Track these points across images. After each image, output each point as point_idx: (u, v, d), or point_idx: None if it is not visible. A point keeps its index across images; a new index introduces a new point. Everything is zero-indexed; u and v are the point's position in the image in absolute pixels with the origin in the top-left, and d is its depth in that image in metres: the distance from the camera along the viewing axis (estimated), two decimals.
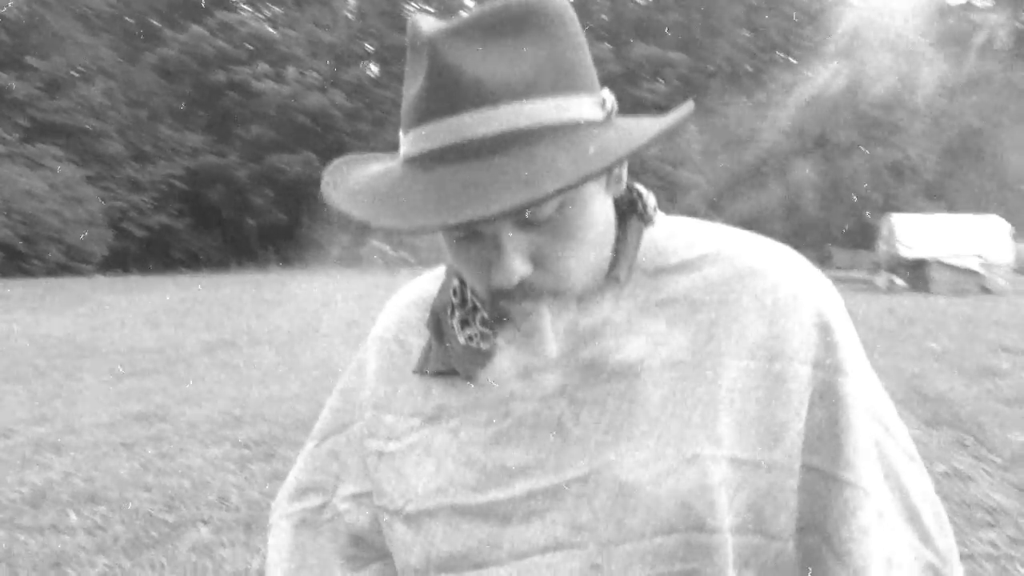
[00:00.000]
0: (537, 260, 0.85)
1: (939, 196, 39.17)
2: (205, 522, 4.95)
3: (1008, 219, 22.99)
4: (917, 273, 20.90)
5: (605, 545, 0.87)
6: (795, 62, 42.92)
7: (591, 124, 0.81)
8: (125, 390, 8.91)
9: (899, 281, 21.28)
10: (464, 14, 0.82)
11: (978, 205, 35.33)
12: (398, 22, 45.32)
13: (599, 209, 0.87)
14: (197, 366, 10.48)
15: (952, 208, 35.41)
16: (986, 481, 5.05)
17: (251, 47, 42.53)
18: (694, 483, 0.86)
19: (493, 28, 0.80)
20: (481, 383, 0.96)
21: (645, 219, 0.97)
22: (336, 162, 0.92)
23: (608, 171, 0.78)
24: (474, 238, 0.85)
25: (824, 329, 0.92)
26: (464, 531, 0.93)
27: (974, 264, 20.23)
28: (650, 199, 0.97)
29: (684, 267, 0.95)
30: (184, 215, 39.72)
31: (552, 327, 0.88)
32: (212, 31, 41.47)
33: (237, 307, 18.71)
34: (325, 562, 1.11)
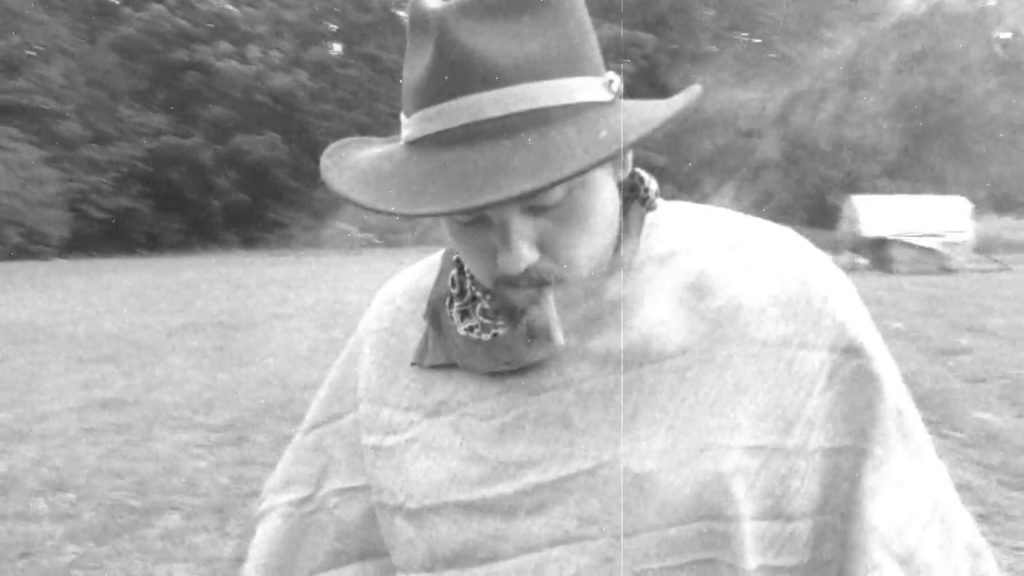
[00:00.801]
0: (544, 246, 0.83)
1: (901, 176, 39.60)
2: (175, 508, 4.93)
3: (970, 197, 23.32)
4: (879, 253, 21.15)
5: (617, 537, 0.85)
6: (758, 41, 43.14)
7: (600, 106, 0.80)
8: (90, 376, 8.82)
9: (861, 261, 21.54)
10: None
11: (940, 185, 35.77)
12: (363, 1, 44.91)
13: (606, 195, 0.86)
14: (163, 350, 10.40)
15: (915, 188, 35.82)
16: (950, 459, 5.15)
17: (212, 25, 41.96)
18: (708, 472, 0.85)
19: (501, 7, 0.78)
20: (482, 375, 0.93)
21: (647, 204, 0.95)
22: (333, 146, 0.90)
23: (621, 155, 0.77)
24: (480, 223, 0.83)
25: (835, 312, 0.91)
26: (469, 526, 0.90)
27: (935, 243, 20.52)
28: (652, 184, 0.95)
29: (688, 253, 0.93)
30: (145, 197, 39.15)
31: (558, 316, 0.86)
32: (172, 9, 40.81)
33: (202, 290, 18.53)
34: (309, 555, 1.09)
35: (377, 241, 34.00)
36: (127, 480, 5.43)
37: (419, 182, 0.77)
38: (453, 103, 0.77)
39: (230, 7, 42.26)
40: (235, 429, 6.56)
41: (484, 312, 0.94)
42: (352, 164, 0.85)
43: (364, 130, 41.92)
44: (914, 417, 0.95)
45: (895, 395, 0.93)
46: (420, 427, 0.96)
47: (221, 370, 8.92)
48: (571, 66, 0.79)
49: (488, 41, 0.77)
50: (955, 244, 20.56)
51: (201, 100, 41.07)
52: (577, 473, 0.87)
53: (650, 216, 0.95)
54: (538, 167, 0.73)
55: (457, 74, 0.77)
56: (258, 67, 40.42)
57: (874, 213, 21.95)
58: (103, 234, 37.27)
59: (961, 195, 24.10)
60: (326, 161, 0.86)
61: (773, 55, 39.74)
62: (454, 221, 0.85)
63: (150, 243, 38.97)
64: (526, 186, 0.72)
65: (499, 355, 0.91)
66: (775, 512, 0.88)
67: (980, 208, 28.63)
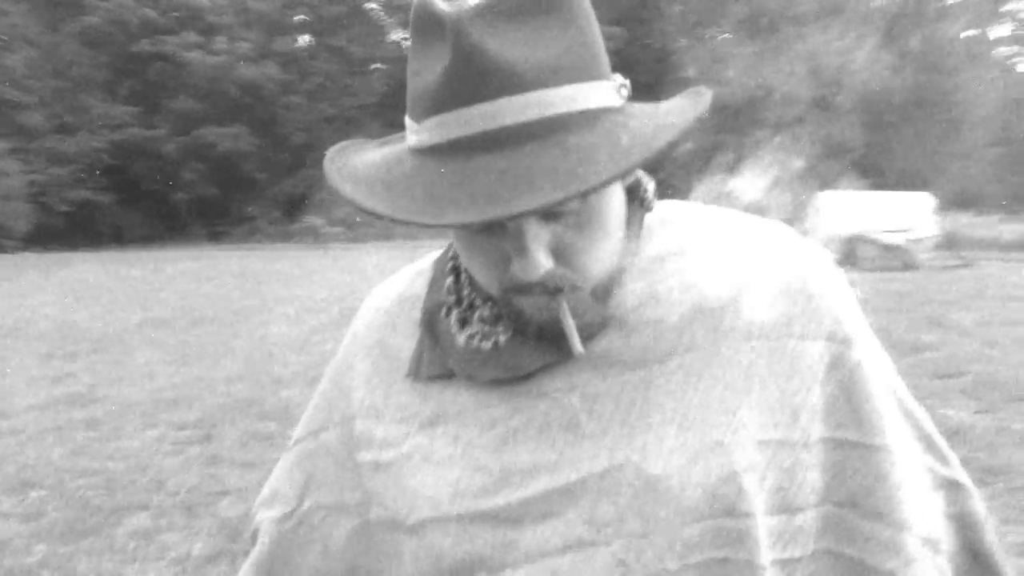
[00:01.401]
0: (558, 253, 0.83)
1: (868, 172, 39.97)
2: (144, 507, 4.90)
3: (933, 194, 23.61)
4: (845, 249, 21.36)
5: (632, 540, 0.84)
6: (727, 36, 43.35)
7: (615, 111, 0.80)
8: (56, 372, 8.72)
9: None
10: None
11: (905, 181, 36.12)
12: None
13: (616, 200, 0.86)
14: (130, 346, 10.29)
15: (881, 185, 36.17)
16: None
17: (178, 16, 41.47)
18: (721, 469, 0.85)
19: (518, 10, 0.77)
20: (482, 383, 0.91)
21: (646, 205, 0.94)
22: (333, 151, 0.88)
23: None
24: (493, 230, 0.82)
25: (831, 304, 0.92)
26: (475, 537, 0.88)
27: (899, 240, 20.76)
28: (650, 185, 0.95)
29: (687, 252, 0.93)
30: (110, 189, 38.62)
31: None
32: None
33: (168, 284, 18.36)
34: (291, 573, 1.07)
35: (345, 236, 33.80)
36: (95, 478, 5.38)
37: (440, 190, 0.75)
38: (472, 109, 0.75)
39: None
40: (204, 426, 6.52)
41: (484, 319, 0.92)
42: (357, 170, 0.84)
43: (332, 122, 41.82)
44: (910, 400, 0.97)
45: (892, 383, 0.95)
46: (417, 439, 0.94)
47: (189, 366, 8.85)
48: (585, 70, 0.79)
49: (507, 45, 0.75)
50: (919, 240, 20.80)
51: (167, 91, 40.62)
52: (587, 477, 0.85)
53: (648, 216, 0.95)
54: (565, 175, 0.73)
55: (476, 79, 0.75)
56: (225, 58, 39.98)
57: (840, 209, 22.15)
58: (67, 227, 36.77)
59: (925, 191, 24.41)
60: (331, 168, 0.84)
61: (741, 50, 39.93)
62: (467, 227, 0.83)
63: (115, 236, 38.49)
64: (557, 195, 0.71)
65: (502, 363, 0.90)
66: (783, 506, 0.88)
67: (943, 204, 28.97)
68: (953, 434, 5.75)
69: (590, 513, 0.85)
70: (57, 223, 36.42)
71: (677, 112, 0.81)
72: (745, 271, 0.91)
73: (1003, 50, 50.92)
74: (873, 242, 20.80)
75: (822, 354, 0.90)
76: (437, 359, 0.94)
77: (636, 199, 0.94)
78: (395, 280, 1.08)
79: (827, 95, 37.37)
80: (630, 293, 0.91)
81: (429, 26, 0.78)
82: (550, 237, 0.82)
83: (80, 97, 39.54)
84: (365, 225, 38.09)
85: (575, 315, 0.84)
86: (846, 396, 0.91)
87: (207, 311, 13.41)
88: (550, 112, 0.75)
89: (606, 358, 0.88)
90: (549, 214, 0.80)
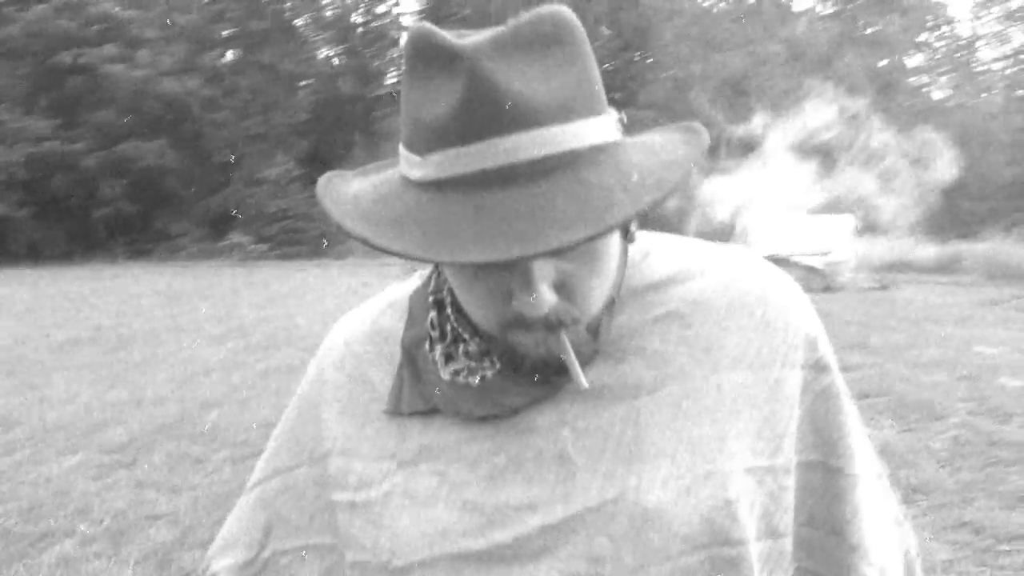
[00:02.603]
0: (559, 287, 0.82)
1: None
2: (68, 534, 4.75)
3: (854, 216, 24.26)
4: None
5: (630, 572, 0.84)
6: (651, 61, 44.00)
7: (617, 146, 0.80)
8: None
9: None
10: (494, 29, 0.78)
11: (826, 204, 36.96)
12: (257, 7, 44.05)
13: (615, 235, 0.86)
14: (49, 366, 9.98)
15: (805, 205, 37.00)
16: None
17: (100, 28, 40.54)
18: (715, 498, 0.85)
19: (529, 45, 0.76)
20: (472, 419, 0.90)
21: (630, 237, 0.94)
22: (324, 184, 0.85)
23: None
24: (495, 266, 0.80)
25: (808, 332, 0.95)
26: None
27: (819, 262, 21.27)
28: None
29: (669, 282, 0.94)
30: (26, 205, 37.48)
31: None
32: (57, 10, 39.26)
33: (89, 303, 17.86)
34: None
35: (272, 254, 33.32)
36: (16, 505, 5.20)
37: (458, 227, 0.74)
38: (486, 144, 0.74)
39: (119, 9, 40.90)
40: (130, 449, 6.35)
41: (469, 355, 0.91)
42: (357, 205, 0.81)
43: (259, 139, 41.20)
44: (861, 425, 1.01)
45: (853, 410, 0.98)
46: (397, 478, 0.92)
47: (112, 387, 8.61)
48: (591, 105, 0.79)
49: (521, 80, 0.75)
50: (839, 263, 21.33)
51: (87, 105, 39.61)
52: (583, 512, 0.85)
53: (631, 248, 0.96)
54: (583, 213, 0.72)
55: (491, 114, 0.74)
56: (148, 72, 39.18)
57: (765, 231, 22.61)
58: None
59: (844, 214, 25.05)
60: (328, 203, 0.82)
61: (666, 74, 40.60)
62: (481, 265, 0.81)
63: (31, 253, 37.28)
64: (582, 233, 0.71)
65: (490, 399, 0.89)
66: (770, 531, 0.90)
67: (859, 227, 29.73)
68: (878, 453, 5.89)
69: (586, 548, 0.84)
70: None
71: (672, 148, 0.82)
72: (726, 302, 0.93)
73: (914, 80, 52.72)
74: (795, 264, 21.25)
75: (799, 381, 0.93)
76: (418, 394, 0.93)
77: (621, 232, 0.94)
78: (362, 314, 1.05)
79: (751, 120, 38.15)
80: (616, 325, 0.91)
81: (436, 58, 0.77)
82: (554, 272, 0.81)
83: None
84: (293, 244, 37.67)
85: (573, 349, 0.84)
86: (815, 420, 0.94)
87: (129, 331, 13.07)
88: (564, 148, 0.75)
89: (594, 391, 0.89)
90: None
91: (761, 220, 23.81)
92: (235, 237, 33.17)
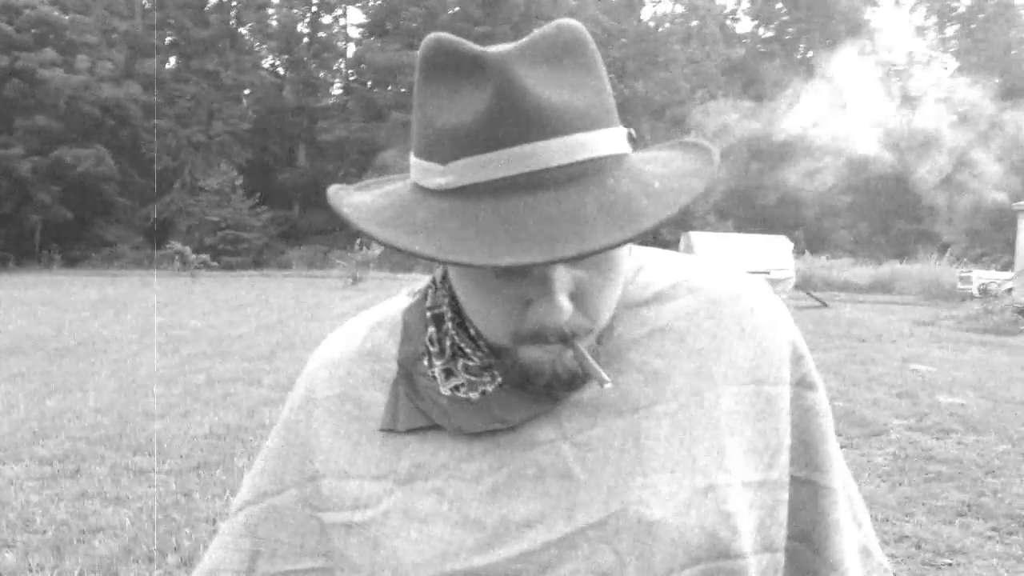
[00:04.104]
0: (575, 298, 0.81)
1: (728, 215, 41.55)
2: (10, 546, 4.63)
3: (789, 237, 24.79)
4: None
5: None
6: None
7: (632, 157, 0.81)
8: None
9: None
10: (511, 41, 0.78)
11: (764, 224, 37.76)
12: (199, 15, 43.54)
13: (626, 247, 0.86)
14: None
15: (740, 228, 37.73)
16: None
17: (37, 32, 39.71)
18: (716, 512, 0.86)
19: (552, 55, 0.77)
20: (470, 435, 0.89)
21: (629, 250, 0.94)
22: (336, 195, 0.84)
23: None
24: (513, 275, 0.80)
25: (795, 350, 0.97)
26: None
27: (761, 281, 21.65)
28: None
29: (662, 297, 0.94)
30: None
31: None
32: None
33: (24, 311, 17.41)
34: None
35: (213, 264, 32.84)
36: None
37: (490, 231, 0.73)
38: (516, 150, 0.74)
39: (57, 13, 40.07)
40: (72, 460, 6.20)
41: (469, 370, 0.90)
42: (375, 213, 0.81)
43: (200, 147, 40.64)
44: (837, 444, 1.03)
45: (832, 427, 1.00)
46: (395, 496, 0.90)
47: (52, 397, 8.40)
48: (608, 116, 0.79)
49: (549, 89, 0.75)
50: (779, 282, 21.71)
51: (22, 109, 38.73)
52: (585, 527, 0.85)
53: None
54: (613, 218, 0.73)
55: (520, 120, 0.74)
56: (86, 77, 38.47)
57: (708, 249, 22.94)
58: None
59: (782, 235, 25.58)
60: (346, 211, 0.81)
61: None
62: (480, 271, 0.81)
63: None
64: (614, 237, 0.72)
65: (491, 414, 0.88)
66: (766, 544, 0.92)
67: (798, 247, 30.36)
68: None
69: (591, 563, 0.84)
70: None
71: (682, 163, 0.83)
72: (719, 318, 0.94)
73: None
74: None
75: (788, 398, 0.95)
76: (416, 411, 0.91)
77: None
78: (348, 333, 1.02)
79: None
80: (615, 338, 0.91)
81: (459, 67, 0.77)
82: (572, 281, 0.81)
83: None
84: (234, 254, 37.19)
85: (581, 362, 0.83)
86: (802, 436, 0.96)
87: (68, 340, 12.78)
88: (589, 156, 0.76)
89: (594, 404, 0.89)
90: (574, 258, 0.79)
91: (703, 239, 24.15)
92: (175, 245, 32.62)
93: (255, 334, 13.86)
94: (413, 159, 0.82)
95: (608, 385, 0.82)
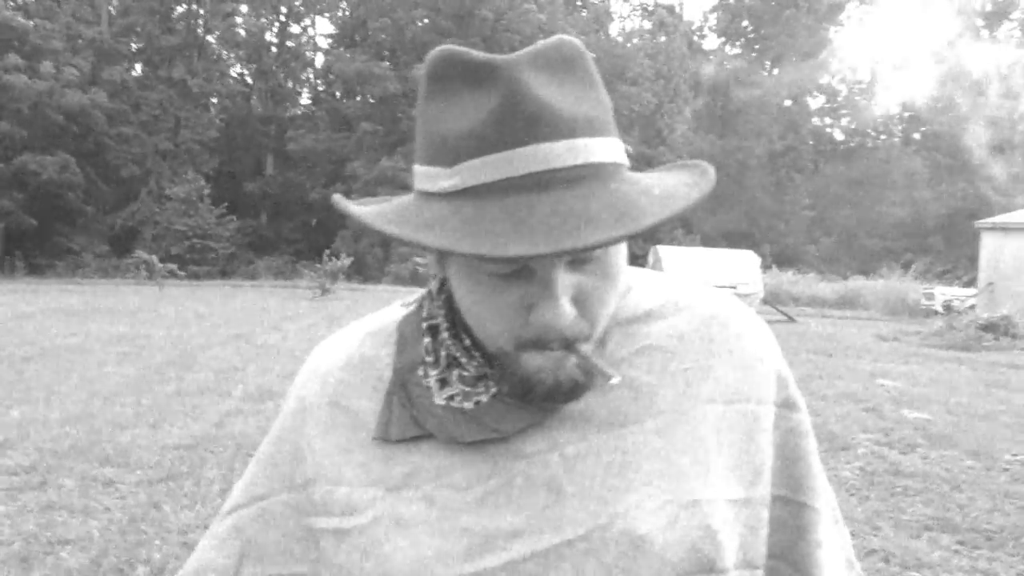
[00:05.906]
0: (577, 303, 0.83)
1: (695, 231, 41.87)
2: None
3: (758, 252, 25.02)
4: None
5: None
6: None
7: (630, 168, 0.84)
8: None
9: None
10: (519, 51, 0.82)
11: (729, 239, 38.13)
12: (167, 22, 43.19)
13: (623, 255, 0.88)
14: None
15: (706, 242, 38.08)
16: None
17: (1, 37, 39.21)
18: (700, 527, 0.87)
19: (556, 64, 0.80)
20: (461, 444, 0.90)
21: None
22: (340, 201, 0.88)
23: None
24: (516, 277, 0.82)
25: (779, 371, 1.00)
26: None
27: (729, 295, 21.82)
28: None
29: (651, 316, 0.96)
30: None
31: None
32: None
33: None
34: None
35: (180, 273, 32.50)
36: None
37: (499, 226, 0.76)
38: (523, 150, 0.77)
39: (21, 18, 39.57)
40: (38, 471, 6.11)
41: (464, 380, 0.91)
42: (386, 214, 0.84)
43: (167, 155, 40.28)
44: (820, 463, 1.05)
45: (815, 448, 1.02)
46: (385, 503, 0.91)
47: (16, 407, 8.26)
48: (609, 127, 0.83)
49: (556, 94, 0.79)
50: (746, 296, 21.89)
51: None
52: (572, 539, 0.86)
53: None
54: (618, 215, 0.76)
55: (528, 122, 0.77)
56: (51, 83, 38.00)
57: (677, 263, 23.09)
58: None
59: (749, 250, 25.82)
60: (354, 209, 0.85)
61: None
62: (484, 274, 0.83)
63: None
64: (620, 231, 0.74)
65: (485, 424, 0.89)
66: (747, 561, 0.93)
67: (765, 262, 30.65)
68: None
69: (576, 574, 0.85)
70: None
71: (677, 178, 0.86)
72: (707, 339, 0.96)
73: (817, 121, 54.70)
74: None
75: (771, 418, 0.97)
76: (410, 421, 0.92)
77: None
78: (340, 342, 1.04)
79: (655, 156, 39.00)
80: (606, 355, 0.93)
81: (466, 74, 0.80)
82: (573, 285, 0.83)
83: None
84: (201, 263, 36.84)
85: (583, 370, 0.85)
86: (784, 456, 0.99)
87: (31, 349, 12.57)
88: (594, 159, 0.79)
89: (583, 418, 0.90)
90: (575, 261, 0.82)
91: (671, 253, 24.29)
92: (141, 255, 32.24)
93: (223, 344, 13.75)
94: (418, 168, 0.84)
95: (616, 380, 0.84)
